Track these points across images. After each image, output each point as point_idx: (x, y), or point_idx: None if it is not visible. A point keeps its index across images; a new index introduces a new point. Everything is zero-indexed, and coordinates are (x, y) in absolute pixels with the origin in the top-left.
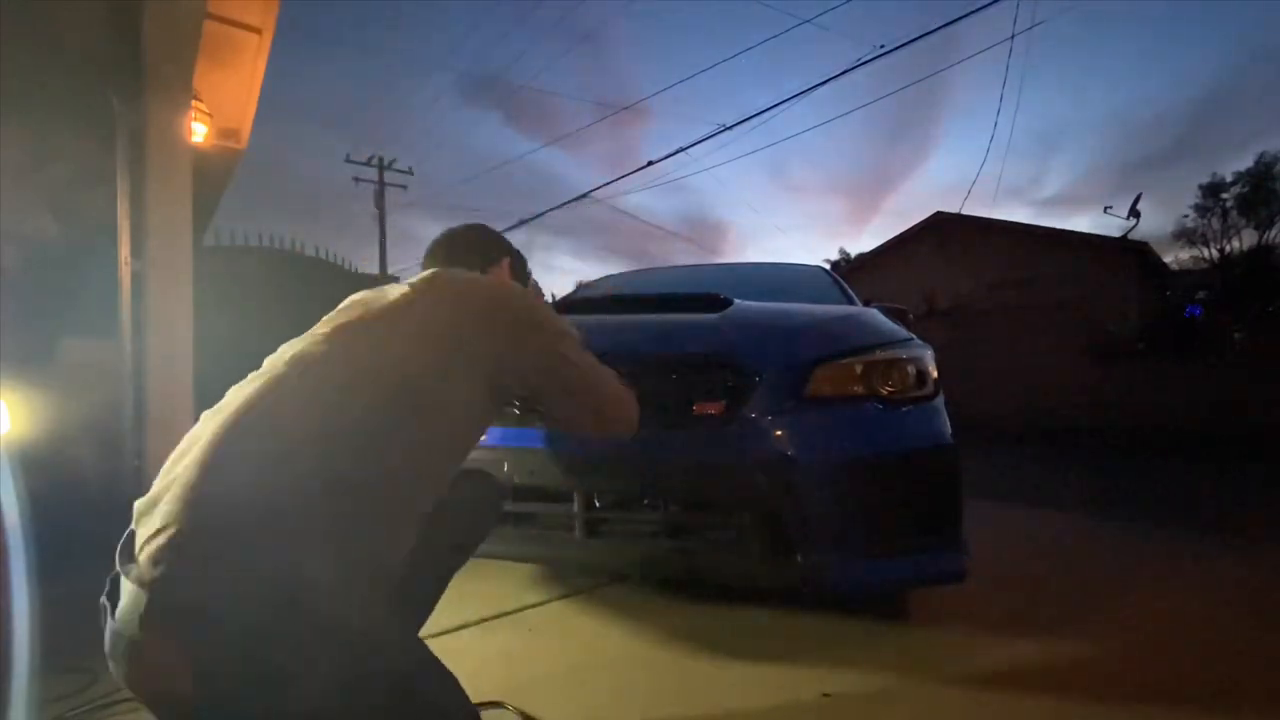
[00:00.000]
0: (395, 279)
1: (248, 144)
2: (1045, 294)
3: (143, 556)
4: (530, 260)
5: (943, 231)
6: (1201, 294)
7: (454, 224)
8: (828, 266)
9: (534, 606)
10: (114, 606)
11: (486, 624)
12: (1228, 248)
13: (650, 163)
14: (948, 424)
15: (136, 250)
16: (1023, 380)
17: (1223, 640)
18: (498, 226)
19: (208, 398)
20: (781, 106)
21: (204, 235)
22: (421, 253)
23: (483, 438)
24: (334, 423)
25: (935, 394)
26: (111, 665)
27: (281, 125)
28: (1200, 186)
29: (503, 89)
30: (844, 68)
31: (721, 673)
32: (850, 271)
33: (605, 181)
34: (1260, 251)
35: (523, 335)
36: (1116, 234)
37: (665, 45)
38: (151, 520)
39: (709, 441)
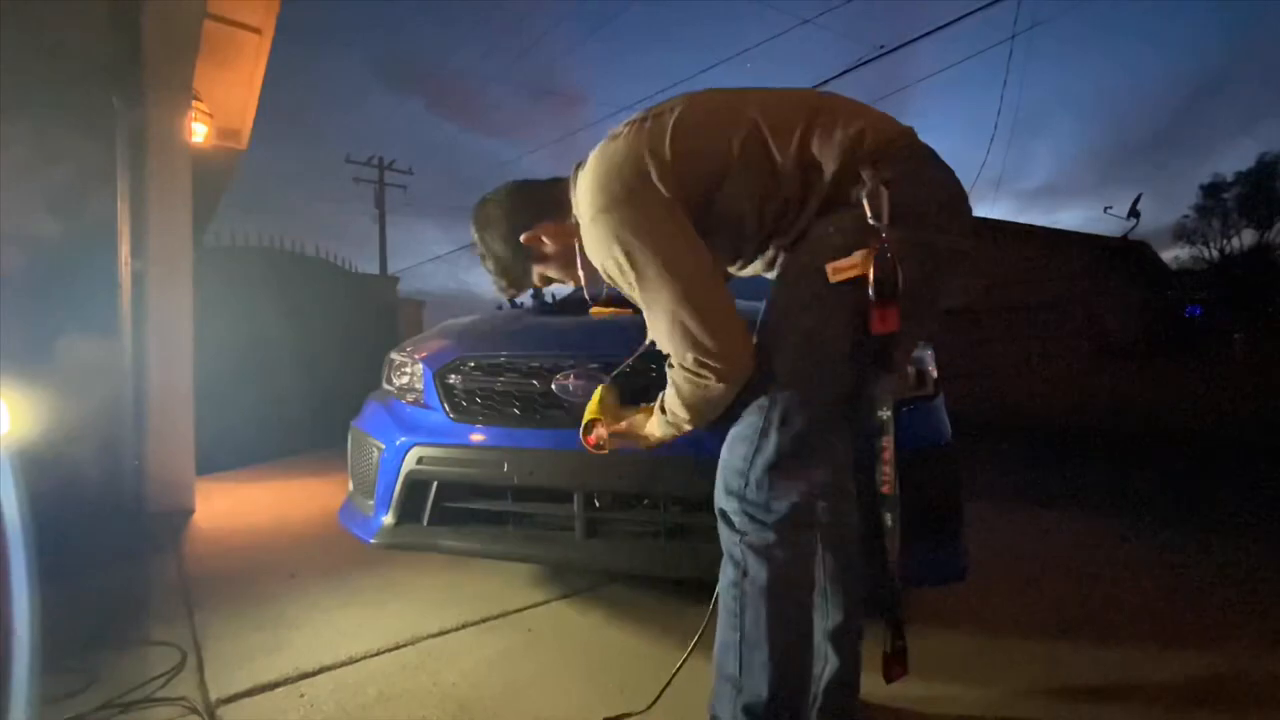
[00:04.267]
0: (396, 279)
1: (248, 144)
2: (1046, 294)
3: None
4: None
5: None
6: (1202, 294)
7: (443, 222)
8: None
9: (534, 606)
10: None
11: (486, 624)
12: (1228, 247)
13: None
14: (948, 423)
15: (137, 250)
16: (1023, 380)
17: (1229, 643)
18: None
19: (208, 397)
20: None
21: (204, 235)
22: (418, 252)
23: (483, 438)
24: None
25: (935, 393)
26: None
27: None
28: (1201, 186)
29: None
30: (844, 68)
31: None
32: None
33: None
34: (1260, 251)
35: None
36: (1116, 233)
37: (664, 44)
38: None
39: (709, 441)
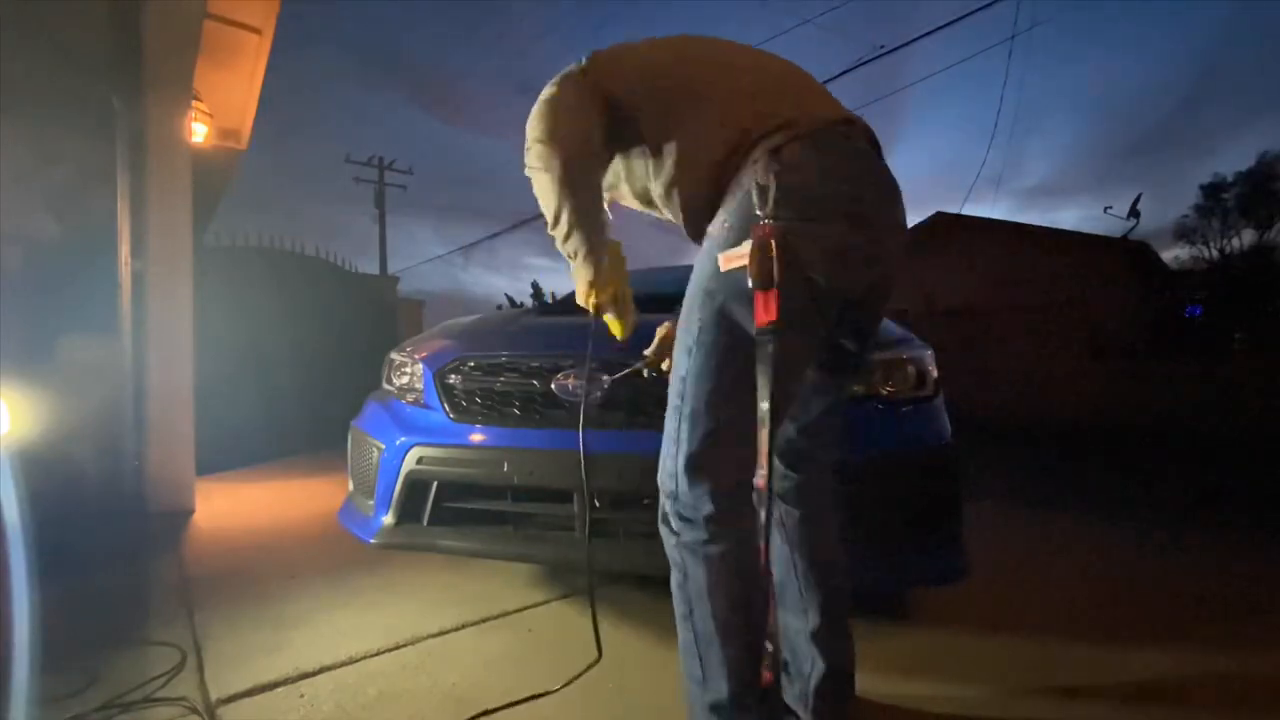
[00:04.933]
0: (396, 279)
1: (248, 144)
2: (1045, 294)
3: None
4: (518, 260)
5: (943, 231)
6: (1202, 294)
7: (442, 222)
8: None
9: (534, 606)
10: None
11: (486, 624)
12: (1228, 247)
13: None
14: (948, 424)
15: (137, 250)
16: (1022, 380)
17: (1231, 643)
18: (492, 227)
19: (208, 397)
20: None
21: (204, 235)
22: (419, 253)
23: (483, 438)
24: None
25: (935, 394)
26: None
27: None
28: (1201, 186)
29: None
30: (843, 68)
31: None
32: None
33: None
34: (1260, 251)
35: None
36: (1117, 233)
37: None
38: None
39: None
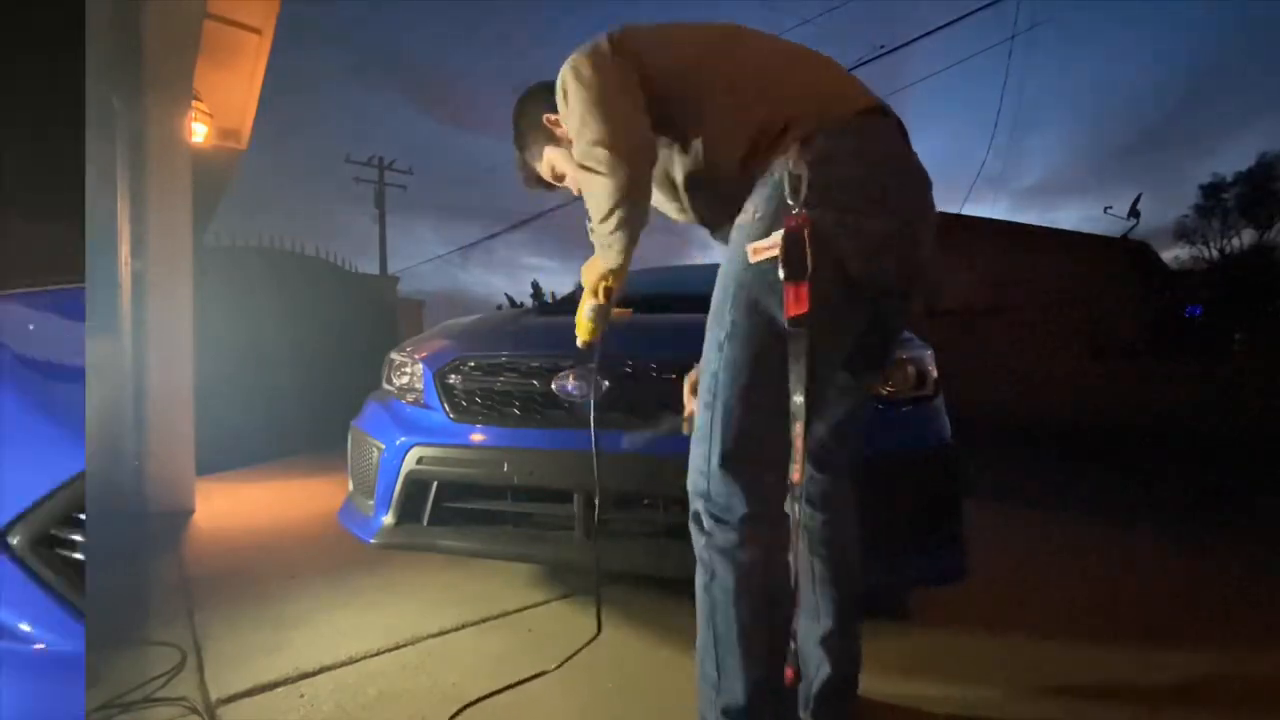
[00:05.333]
0: (395, 279)
1: (248, 144)
2: (1045, 294)
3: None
4: (518, 260)
5: (942, 231)
6: (1201, 294)
7: (442, 222)
8: None
9: (534, 606)
10: None
11: (486, 624)
12: (1228, 247)
13: None
14: (948, 424)
15: (137, 250)
16: (1022, 380)
17: (1230, 642)
18: (491, 227)
19: (208, 397)
20: None
21: (204, 235)
22: (418, 252)
23: (483, 438)
24: None
25: (935, 394)
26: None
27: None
28: (1201, 186)
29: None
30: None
31: None
32: None
33: None
34: (1260, 251)
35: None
36: (1116, 233)
37: None
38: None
39: None
